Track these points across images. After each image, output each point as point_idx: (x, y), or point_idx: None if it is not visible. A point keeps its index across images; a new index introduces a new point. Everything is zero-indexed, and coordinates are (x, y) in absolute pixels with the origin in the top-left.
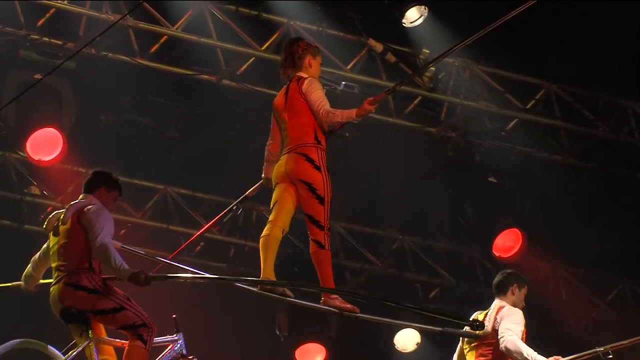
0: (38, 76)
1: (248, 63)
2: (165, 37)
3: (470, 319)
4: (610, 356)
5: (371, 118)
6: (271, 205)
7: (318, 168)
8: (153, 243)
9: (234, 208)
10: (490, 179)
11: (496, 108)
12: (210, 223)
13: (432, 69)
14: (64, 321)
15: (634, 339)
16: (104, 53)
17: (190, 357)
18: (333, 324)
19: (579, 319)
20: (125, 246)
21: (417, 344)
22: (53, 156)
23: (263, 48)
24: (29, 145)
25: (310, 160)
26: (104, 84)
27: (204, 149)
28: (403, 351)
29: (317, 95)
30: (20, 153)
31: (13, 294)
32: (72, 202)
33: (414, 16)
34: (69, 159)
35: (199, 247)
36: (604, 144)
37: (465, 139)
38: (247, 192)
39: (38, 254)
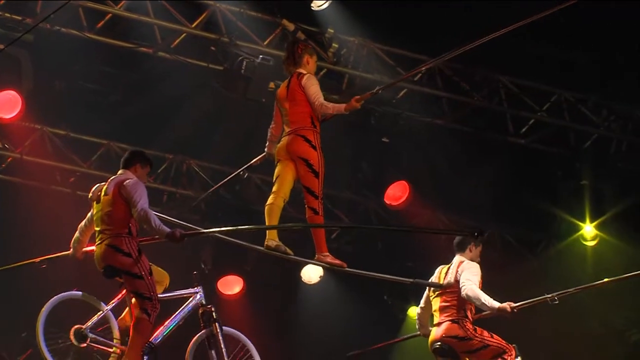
0: (0, 46)
1: (180, 38)
2: (110, 14)
3: (435, 272)
4: (557, 301)
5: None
6: (274, 179)
7: (314, 147)
8: None
9: (240, 173)
10: (383, 139)
11: (389, 79)
12: (219, 185)
13: (335, 45)
14: (105, 276)
15: (579, 287)
16: (57, 28)
17: (209, 306)
18: (250, 260)
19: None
20: (157, 214)
21: (321, 276)
22: (13, 114)
23: (193, 26)
24: None
25: (307, 141)
26: (58, 54)
27: (142, 111)
28: (308, 283)
29: (313, 89)
30: None
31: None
32: (112, 177)
33: (320, 1)
34: (27, 117)
35: None
36: (478, 112)
37: (364, 105)
38: (252, 162)
39: (84, 221)
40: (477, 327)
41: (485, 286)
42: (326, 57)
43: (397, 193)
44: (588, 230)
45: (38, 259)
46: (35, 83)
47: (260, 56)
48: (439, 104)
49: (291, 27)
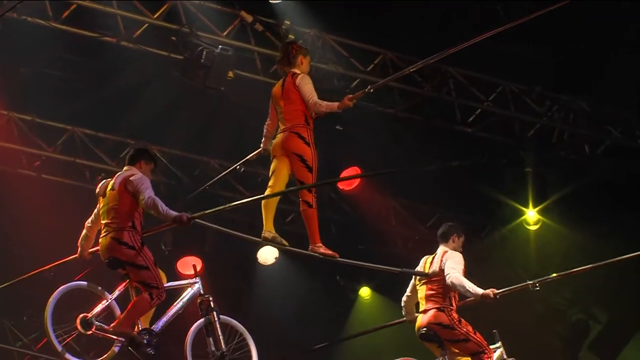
0: None
1: (142, 28)
2: (75, 5)
3: (420, 262)
4: (538, 288)
5: (241, 75)
6: (270, 173)
7: (308, 144)
8: (64, 173)
9: (238, 167)
10: (337, 127)
11: (343, 70)
12: (215, 179)
13: (292, 37)
14: (109, 267)
15: (561, 273)
16: (24, 17)
17: (207, 296)
18: (208, 242)
19: (405, 240)
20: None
21: (276, 258)
22: None
23: (155, 16)
24: None
25: (301, 138)
26: (24, 43)
27: (106, 97)
28: (264, 264)
29: (307, 88)
30: None
31: None
32: (119, 172)
33: None
34: None
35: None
36: (428, 101)
37: (318, 95)
38: (248, 157)
39: (90, 218)
40: (462, 319)
41: None
42: None
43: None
44: (531, 215)
45: (47, 267)
46: (2, 70)
47: (220, 46)
48: (391, 94)
49: (249, 18)
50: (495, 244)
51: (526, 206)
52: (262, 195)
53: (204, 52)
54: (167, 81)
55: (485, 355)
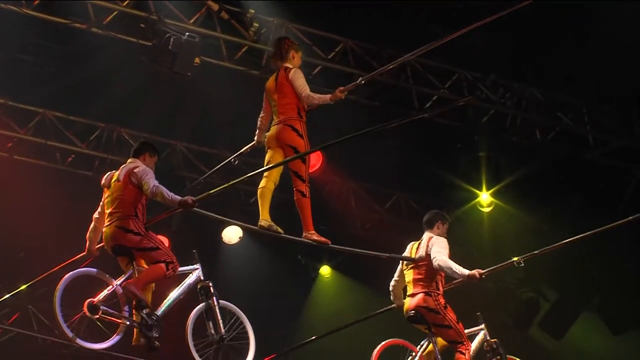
0: None
1: (112, 15)
2: None
3: (407, 248)
4: (522, 264)
5: (207, 62)
6: (265, 164)
7: (301, 136)
8: (35, 154)
9: (232, 160)
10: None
11: (305, 57)
12: (212, 170)
13: (256, 25)
14: (114, 254)
15: (544, 249)
16: None
17: (207, 281)
18: (174, 221)
19: (364, 221)
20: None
21: (240, 237)
22: None
23: (124, 4)
24: None
25: (295, 130)
26: None
27: (76, 82)
28: (229, 243)
29: (300, 82)
30: None
31: None
32: (123, 165)
33: None
34: None
35: (70, 158)
36: (387, 88)
37: None
38: (242, 150)
39: (97, 210)
40: (448, 306)
41: (392, 248)
42: (247, 36)
43: (311, 162)
44: (484, 197)
45: (57, 268)
46: None
47: (187, 33)
48: (351, 80)
49: (215, 7)
50: (450, 224)
51: (480, 189)
52: (259, 169)
53: (172, 39)
54: (136, 66)
55: (463, 347)
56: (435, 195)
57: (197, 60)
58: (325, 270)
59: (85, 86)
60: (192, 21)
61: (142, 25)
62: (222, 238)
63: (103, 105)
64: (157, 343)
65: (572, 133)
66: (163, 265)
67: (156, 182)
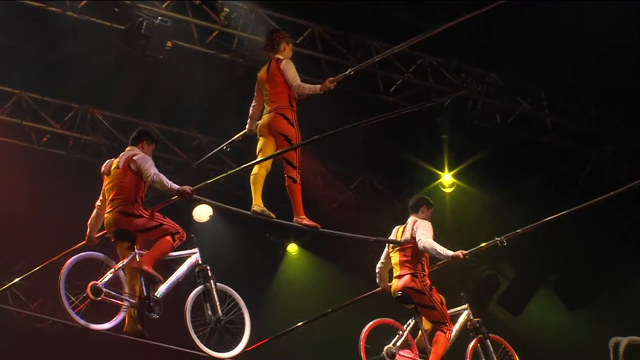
0: None
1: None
2: None
3: (392, 231)
4: (505, 243)
5: (178, 45)
6: (257, 151)
7: (292, 124)
8: (11, 134)
9: (224, 148)
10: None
11: None
12: (204, 158)
13: (226, 10)
14: (116, 239)
15: (526, 227)
16: None
17: (205, 265)
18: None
19: (331, 201)
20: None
21: (210, 216)
22: None
23: None
24: None
25: (286, 119)
26: None
27: (52, 64)
28: (199, 221)
29: (291, 72)
30: None
31: None
32: (122, 153)
33: None
34: None
35: (45, 138)
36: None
37: (250, 64)
38: (234, 138)
39: (99, 198)
40: (433, 287)
41: (358, 226)
42: (218, 20)
43: None
44: (447, 178)
45: (56, 257)
46: None
47: (159, 18)
48: (318, 65)
49: None
50: None
51: (442, 170)
52: (257, 160)
53: (145, 23)
54: (110, 49)
55: (445, 327)
56: (399, 177)
57: (168, 43)
58: (292, 248)
59: (60, 68)
60: (164, 6)
61: (115, 9)
62: (192, 216)
63: (77, 86)
64: (147, 334)
65: (531, 117)
66: (169, 237)
67: (156, 170)
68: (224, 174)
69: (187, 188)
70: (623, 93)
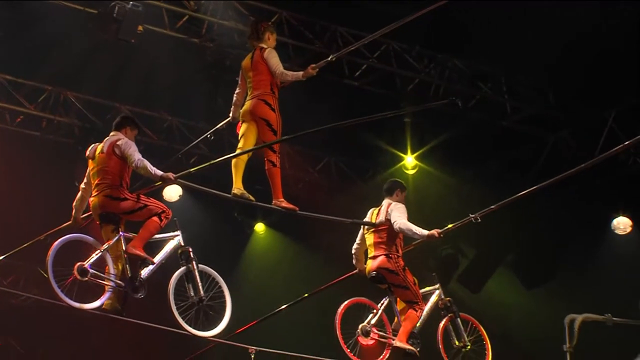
0: None
1: None
2: None
3: (368, 214)
4: (479, 220)
5: (150, 29)
6: (239, 136)
7: (273, 110)
8: None
9: (208, 136)
10: (237, 78)
11: (242, 27)
12: (194, 143)
13: None
14: (101, 222)
15: (499, 204)
16: None
17: (187, 247)
18: None
19: (297, 182)
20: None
21: (180, 195)
22: None
23: None
24: None
25: (268, 105)
26: None
27: (26, 47)
28: (169, 201)
29: (274, 61)
30: None
31: None
32: (107, 138)
33: None
34: None
35: (19, 119)
36: (319, 57)
37: (220, 48)
38: (218, 125)
39: (84, 180)
40: (407, 268)
41: (324, 206)
42: (188, 6)
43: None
44: (409, 160)
45: (43, 236)
46: None
47: (131, 2)
48: (285, 50)
49: None
50: (377, 185)
51: (405, 152)
52: (234, 154)
53: (117, 8)
54: (82, 33)
55: (417, 306)
56: (363, 159)
57: (140, 28)
58: (260, 228)
59: (34, 51)
60: None
61: None
62: (163, 196)
63: (51, 69)
64: (124, 312)
65: (491, 101)
66: (156, 218)
67: (140, 156)
68: (208, 163)
69: (171, 175)
70: (578, 77)
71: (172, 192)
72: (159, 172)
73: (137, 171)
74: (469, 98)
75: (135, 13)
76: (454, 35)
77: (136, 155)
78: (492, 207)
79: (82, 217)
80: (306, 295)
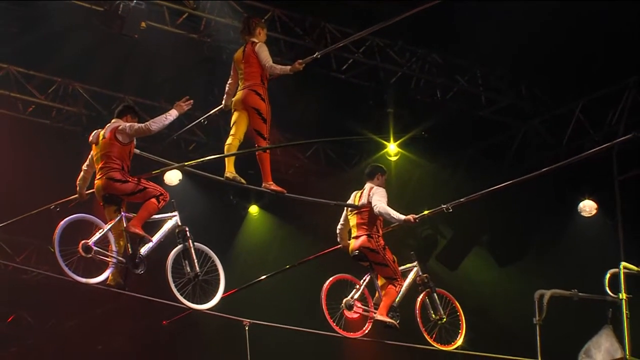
0: None
1: None
2: None
3: (351, 197)
4: (450, 210)
5: (152, 26)
6: (231, 124)
7: (263, 100)
8: (0, 104)
9: (202, 121)
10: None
11: (238, 24)
12: (183, 129)
13: None
14: (104, 203)
15: (469, 196)
16: None
17: (183, 226)
18: None
19: (288, 167)
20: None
21: (180, 179)
22: None
23: None
24: None
25: (258, 95)
26: None
27: (37, 41)
28: (170, 184)
29: (264, 54)
30: None
31: None
32: (109, 124)
33: None
34: None
35: (30, 108)
36: (309, 51)
37: (216, 44)
38: (211, 112)
39: (86, 162)
40: (387, 247)
41: (313, 191)
42: (188, 4)
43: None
44: (392, 148)
45: (53, 205)
46: None
47: (134, 0)
48: (277, 45)
49: None
50: (362, 171)
51: (388, 140)
52: (252, 149)
53: (121, 5)
54: (89, 29)
55: (397, 282)
56: (349, 146)
57: (143, 24)
58: (253, 210)
59: (45, 45)
60: None
61: None
62: (164, 180)
63: (60, 61)
64: (127, 287)
65: (467, 93)
66: (154, 199)
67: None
68: (215, 156)
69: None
70: (548, 70)
71: (173, 177)
72: (154, 127)
73: (141, 135)
74: (447, 90)
75: (139, 10)
76: (434, 31)
77: (135, 126)
78: (461, 199)
79: (86, 192)
80: (287, 267)
